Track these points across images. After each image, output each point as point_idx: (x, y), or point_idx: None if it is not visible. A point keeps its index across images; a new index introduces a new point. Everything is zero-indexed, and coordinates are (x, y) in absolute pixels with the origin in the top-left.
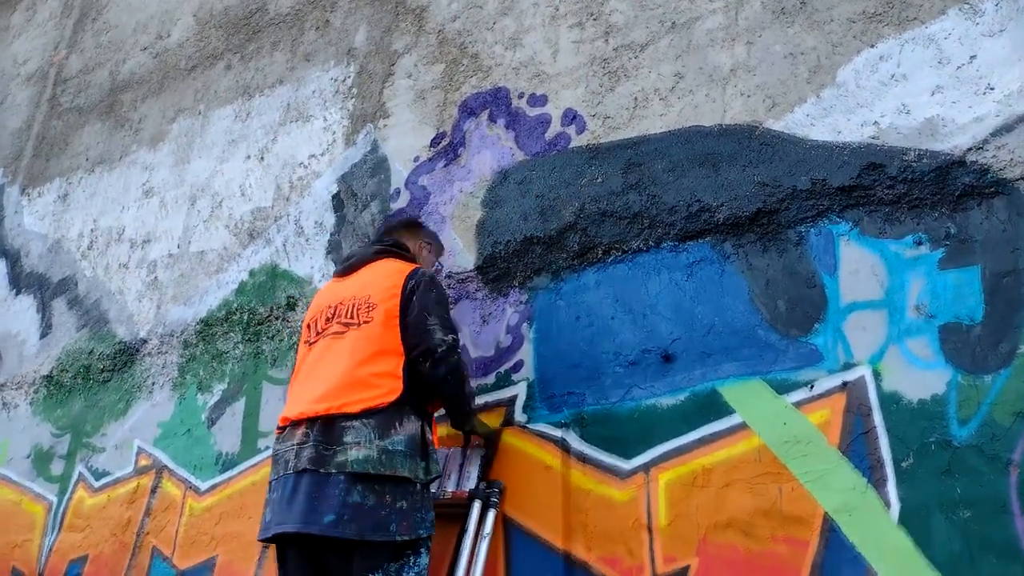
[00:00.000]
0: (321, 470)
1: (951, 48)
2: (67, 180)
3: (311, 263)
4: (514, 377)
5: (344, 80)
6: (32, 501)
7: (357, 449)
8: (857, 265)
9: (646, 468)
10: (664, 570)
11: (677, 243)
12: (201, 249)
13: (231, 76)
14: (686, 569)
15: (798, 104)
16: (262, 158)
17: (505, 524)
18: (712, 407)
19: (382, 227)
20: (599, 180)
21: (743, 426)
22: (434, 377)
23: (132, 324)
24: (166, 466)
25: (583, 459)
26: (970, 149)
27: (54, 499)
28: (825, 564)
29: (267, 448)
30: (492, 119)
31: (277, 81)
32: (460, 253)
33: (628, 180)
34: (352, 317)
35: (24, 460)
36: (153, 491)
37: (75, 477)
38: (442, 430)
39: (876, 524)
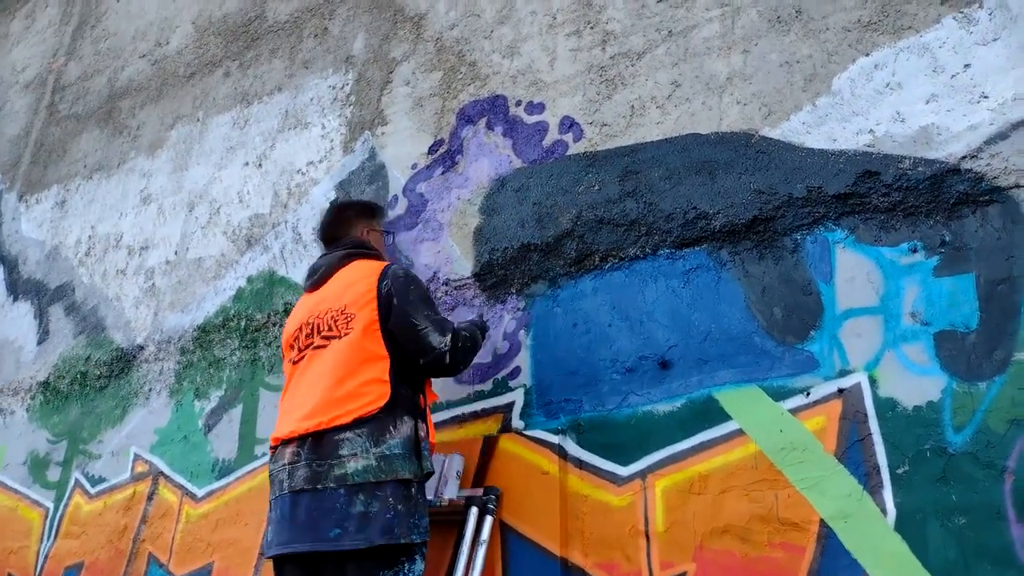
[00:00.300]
0: (319, 486)
1: (945, 57)
2: (65, 187)
3: None
4: (511, 384)
5: (342, 87)
6: (28, 507)
7: (355, 461)
8: (853, 272)
9: (643, 474)
10: None
11: (674, 250)
12: (199, 256)
13: (229, 83)
14: (683, 575)
15: (794, 112)
16: (260, 165)
17: (502, 530)
18: (709, 414)
19: (325, 229)
20: (596, 187)
21: (739, 433)
22: (454, 372)
23: (129, 331)
24: (163, 473)
25: (580, 465)
26: (965, 157)
27: (50, 505)
28: (821, 570)
29: (264, 455)
30: (490, 127)
31: (275, 88)
32: (457, 260)
33: (625, 187)
34: (331, 329)
35: (20, 466)
36: (149, 498)
37: (71, 484)
38: (436, 436)
39: (872, 530)
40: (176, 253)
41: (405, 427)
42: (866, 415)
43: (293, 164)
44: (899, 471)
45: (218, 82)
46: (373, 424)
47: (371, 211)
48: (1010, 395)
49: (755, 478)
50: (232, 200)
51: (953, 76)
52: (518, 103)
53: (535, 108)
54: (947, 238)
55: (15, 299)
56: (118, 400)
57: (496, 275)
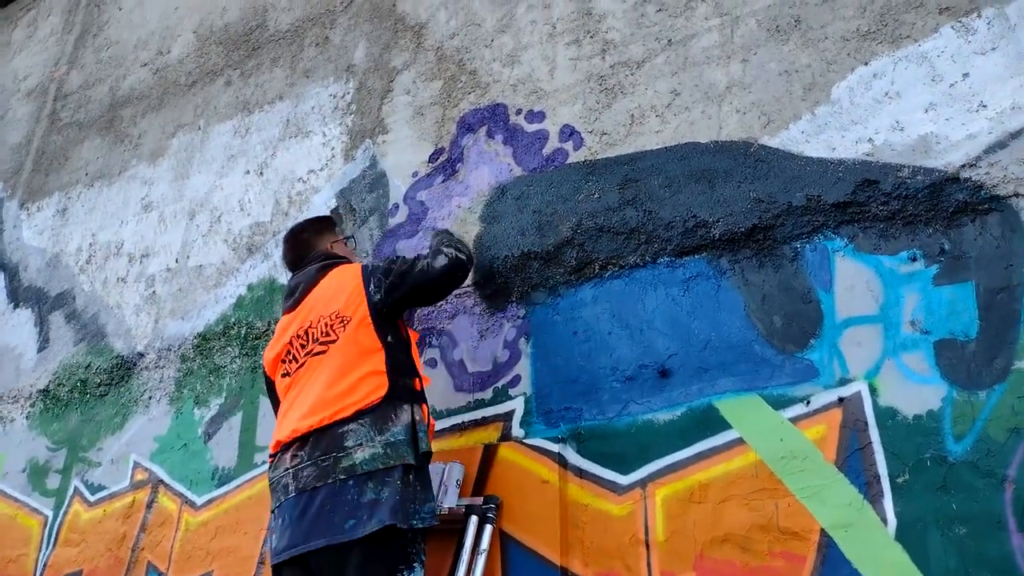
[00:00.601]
0: (329, 480)
1: (944, 66)
2: (66, 194)
3: None
4: (511, 392)
5: (343, 96)
6: (27, 515)
7: (362, 450)
8: (852, 281)
9: (643, 483)
10: None
11: (674, 258)
12: (199, 263)
13: (231, 92)
14: None
15: (793, 121)
16: (261, 173)
17: (502, 539)
18: (709, 422)
19: (290, 257)
20: (596, 196)
21: (740, 441)
22: (457, 266)
23: (130, 338)
24: (162, 480)
25: (580, 474)
26: (963, 166)
27: (49, 513)
28: None
29: (264, 463)
30: (490, 135)
31: (276, 97)
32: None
33: (625, 196)
34: (328, 335)
35: (20, 474)
36: (149, 506)
37: (71, 491)
38: (436, 445)
39: (872, 540)
40: (177, 261)
41: (405, 414)
42: (866, 424)
43: (294, 172)
44: (899, 480)
45: (219, 91)
46: (375, 414)
47: (329, 224)
48: (1010, 404)
49: (755, 487)
50: (233, 208)
51: (952, 85)
52: (518, 111)
53: (535, 117)
54: (946, 247)
55: (16, 306)
56: (118, 408)
57: (496, 283)
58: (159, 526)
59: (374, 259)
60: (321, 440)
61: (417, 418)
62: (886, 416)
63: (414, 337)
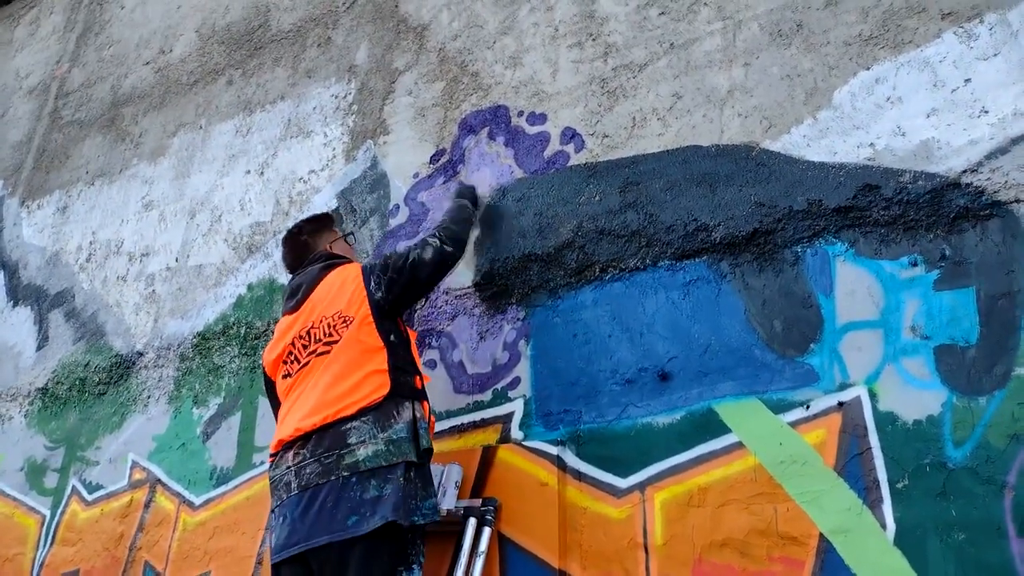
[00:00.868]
0: (332, 477)
1: (946, 71)
2: (67, 193)
3: None
4: (511, 394)
5: (345, 96)
6: (25, 514)
7: (364, 448)
8: (853, 286)
9: (642, 487)
10: None
11: (674, 262)
12: (199, 263)
13: (232, 91)
14: None
15: (795, 125)
16: (262, 173)
17: (500, 542)
18: (708, 426)
19: (290, 259)
20: (597, 198)
21: (739, 445)
22: (456, 249)
23: (129, 337)
24: (160, 480)
25: (579, 477)
26: (965, 171)
27: (47, 512)
28: None
29: (262, 463)
30: (492, 137)
31: (278, 97)
32: (458, 269)
33: (626, 199)
34: (331, 335)
35: (17, 473)
36: (147, 505)
37: (68, 490)
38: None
39: (871, 545)
40: (177, 260)
41: (406, 412)
42: (866, 429)
43: (295, 172)
44: (899, 485)
45: (221, 90)
46: (378, 412)
47: (327, 222)
48: (1010, 410)
49: (754, 491)
50: (233, 208)
51: (953, 91)
52: (520, 113)
53: (537, 119)
54: (947, 252)
55: (15, 304)
56: (117, 407)
57: (496, 285)
58: (157, 526)
59: (372, 258)
60: (324, 438)
61: (418, 415)
62: (886, 421)
63: (413, 335)
